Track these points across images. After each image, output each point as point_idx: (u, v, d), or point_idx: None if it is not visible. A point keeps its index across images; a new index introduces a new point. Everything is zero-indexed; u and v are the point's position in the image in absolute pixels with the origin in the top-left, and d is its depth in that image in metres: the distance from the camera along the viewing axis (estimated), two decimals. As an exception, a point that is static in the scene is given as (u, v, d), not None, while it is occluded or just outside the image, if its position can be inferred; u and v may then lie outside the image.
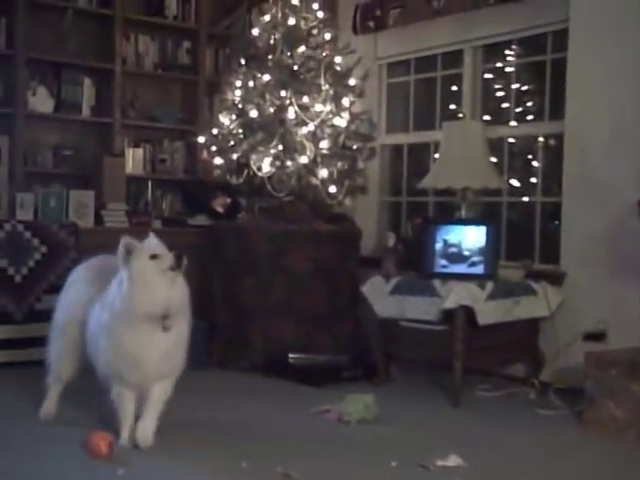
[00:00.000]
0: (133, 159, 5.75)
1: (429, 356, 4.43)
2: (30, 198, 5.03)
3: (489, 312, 4.21)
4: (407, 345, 4.50)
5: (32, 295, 4.74)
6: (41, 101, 5.39)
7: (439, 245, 4.51)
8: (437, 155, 5.07)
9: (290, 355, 4.72)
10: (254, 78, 5.09)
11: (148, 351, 3.15)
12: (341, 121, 5.04)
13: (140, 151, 5.81)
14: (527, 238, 4.97)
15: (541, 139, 5.08)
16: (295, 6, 5.15)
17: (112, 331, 3.15)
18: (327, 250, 4.97)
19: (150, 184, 5.83)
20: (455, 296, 4.15)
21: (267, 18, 5.20)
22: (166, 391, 3.29)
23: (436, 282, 4.31)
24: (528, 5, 4.88)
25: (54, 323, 3.58)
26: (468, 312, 4.14)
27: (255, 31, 5.21)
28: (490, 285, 4.26)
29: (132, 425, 3.24)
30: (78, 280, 3.55)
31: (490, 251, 4.42)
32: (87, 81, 5.59)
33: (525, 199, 5.13)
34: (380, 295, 4.56)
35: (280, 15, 5.17)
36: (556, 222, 4.79)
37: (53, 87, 5.46)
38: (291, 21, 5.11)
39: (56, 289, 4.64)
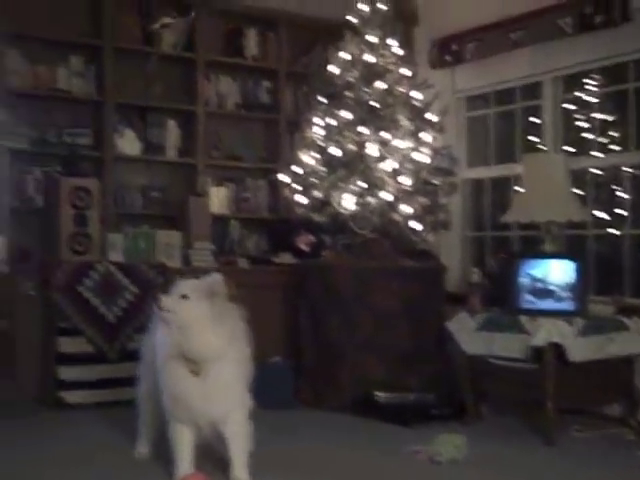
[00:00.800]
0: (217, 198, 5.84)
1: (520, 394, 4.37)
2: (120, 239, 5.18)
3: (580, 349, 4.14)
4: (496, 383, 4.45)
5: (124, 334, 4.86)
6: (129, 144, 5.55)
7: (525, 280, 4.45)
8: (519, 188, 5.04)
9: (377, 393, 4.71)
10: (333, 115, 5.15)
11: (185, 392, 3.17)
12: (422, 156, 5.05)
13: (224, 190, 5.91)
14: (616, 272, 4.89)
15: (627, 169, 5.01)
16: (372, 43, 5.18)
17: (159, 370, 3.28)
18: (412, 287, 4.97)
19: (235, 223, 5.91)
20: (544, 333, 4.10)
21: (345, 56, 5.24)
22: (239, 430, 3.27)
23: (523, 318, 4.26)
24: (608, 34, 4.83)
25: (140, 364, 3.71)
26: (558, 349, 4.09)
27: (333, 69, 5.27)
28: (580, 321, 4.20)
29: (189, 462, 3.27)
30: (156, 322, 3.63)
31: (578, 286, 4.34)
32: (171, 123, 5.73)
33: (612, 231, 5.05)
34: (466, 332, 4.54)
35: (357, 52, 5.22)
36: (646, 255, 4.72)
37: (140, 130, 5.62)
38: (368, 58, 5.15)
39: (147, 329, 4.84)
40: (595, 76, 5.18)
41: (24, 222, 5.14)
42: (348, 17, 5.25)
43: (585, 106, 5.27)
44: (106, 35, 5.44)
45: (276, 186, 5.77)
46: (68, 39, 5.38)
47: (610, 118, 5.16)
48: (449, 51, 5.83)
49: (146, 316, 4.77)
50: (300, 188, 5.22)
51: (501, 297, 4.57)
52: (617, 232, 5.00)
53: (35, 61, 5.32)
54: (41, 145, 5.26)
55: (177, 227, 5.45)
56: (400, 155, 4.99)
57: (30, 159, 5.27)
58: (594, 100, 5.21)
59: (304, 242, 5.54)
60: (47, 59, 5.37)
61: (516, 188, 5.29)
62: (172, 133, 5.72)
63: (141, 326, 4.77)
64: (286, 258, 5.57)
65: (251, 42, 6.07)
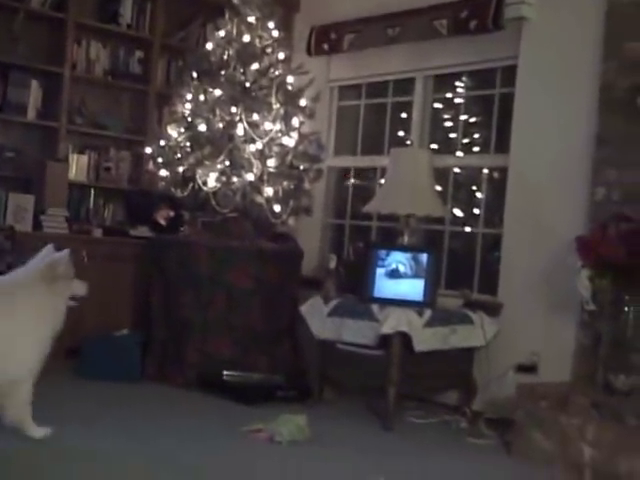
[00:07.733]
0: (77, 165, 5.65)
1: (365, 380, 4.43)
2: (-32, 199, 4.93)
3: (426, 339, 4.23)
4: (343, 368, 4.50)
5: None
6: (-14, 101, 5.29)
7: (379, 270, 4.52)
8: (383, 180, 5.10)
9: (225, 372, 4.67)
10: (205, 92, 5.06)
11: None
12: (290, 141, 5.04)
13: (85, 158, 5.71)
14: (467, 268, 5.03)
15: (486, 171, 5.15)
16: (251, 24, 5.14)
17: None
18: (269, 268, 4.94)
19: (93, 192, 5.74)
20: (392, 322, 4.16)
21: (222, 34, 5.17)
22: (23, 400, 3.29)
23: (374, 307, 4.32)
24: (480, 40, 4.94)
25: None
26: (405, 338, 4.16)
27: (209, 45, 5.19)
28: (428, 312, 4.29)
29: None
30: None
31: (430, 279, 4.45)
32: (35, 84, 5.48)
33: (467, 229, 5.19)
34: (318, 316, 4.55)
35: (235, 32, 5.15)
36: (496, 254, 4.86)
37: (0, 88, 5.35)
38: (246, 38, 5.10)
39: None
40: (464, 79, 5.30)
41: None
42: (230, -5, 5.17)
43: (453, 106, 5.39)
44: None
45: (140, 158, 5.64)
46: None
47: (475, 120, 5.30)
48: (327, 40, 5.82)
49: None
50: (164, 162, 5.11)
51: (356, 285, 4.62)
52: (471, 230, 5.14)
53: None
54: None
55: (31, 191, 5.23)
56: (268, 137, 4.96)
57: None
58: (461, 101, 5.33)
59: (163, 216, 5.43)
60: None
61: (381, 180, 5.36)
62: (34, 94, 5.47)
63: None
64: (143, 231, 5.44)
65: (127, 10, 5.87)
